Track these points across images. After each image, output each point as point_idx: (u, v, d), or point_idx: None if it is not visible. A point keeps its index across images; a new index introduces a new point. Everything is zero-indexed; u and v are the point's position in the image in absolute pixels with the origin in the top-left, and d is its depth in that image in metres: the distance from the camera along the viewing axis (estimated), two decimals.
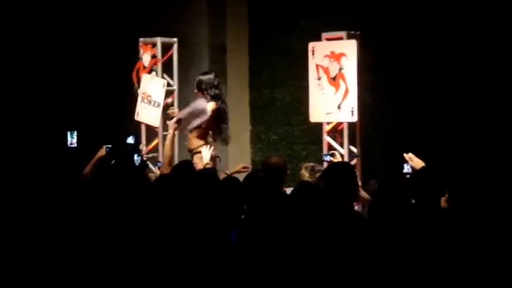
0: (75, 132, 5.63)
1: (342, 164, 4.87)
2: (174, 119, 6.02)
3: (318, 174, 4.90)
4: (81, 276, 3.37)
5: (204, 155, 5.78)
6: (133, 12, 8.11)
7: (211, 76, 6.40)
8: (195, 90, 6.41)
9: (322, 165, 5.62)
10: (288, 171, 4.84)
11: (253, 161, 8.32)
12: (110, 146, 5.25)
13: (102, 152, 5.27)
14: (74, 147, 5.51)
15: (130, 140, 6.48)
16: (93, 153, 5.27)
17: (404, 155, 4.83)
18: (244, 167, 5.79)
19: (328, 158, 5.73)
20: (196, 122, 6.19)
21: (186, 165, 5.00)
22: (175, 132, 6.07)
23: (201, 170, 5.04)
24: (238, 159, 8.01)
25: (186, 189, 4.02)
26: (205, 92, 6.30)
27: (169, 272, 3.41)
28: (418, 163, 4.71)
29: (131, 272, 3.40)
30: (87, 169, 5.11)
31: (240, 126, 8.32)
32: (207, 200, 3.88)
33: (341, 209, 3.52)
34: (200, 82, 6.37)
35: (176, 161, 6.63)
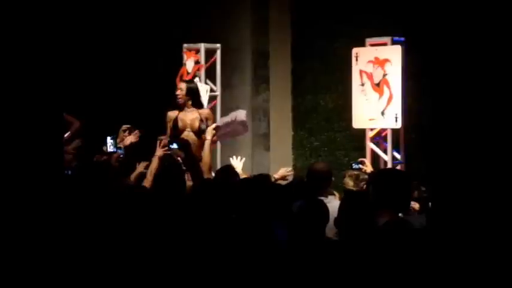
0: (115, 137, 5.65)
1: (396, 171, 4.79)
2: (214, 125, 6.00)
3: (362, 183, 4.86)
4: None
5: (236, 166, 5.73)
6: (178, 18, 8.16)
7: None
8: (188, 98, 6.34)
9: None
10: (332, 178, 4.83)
11: (295, 167, 8.29)
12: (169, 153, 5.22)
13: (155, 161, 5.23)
14: (113, 152, 5.53)
15: (175, 145, 6.48)
16: (133, 158, 5.29)
17: None
18: (288, 171, 5.74)
19: (357, 166, 5.68)
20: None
21: (228, 169, 5.01)
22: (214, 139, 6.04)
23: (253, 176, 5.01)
24: (280, 165, 7.99)
25: (230, 192, 4.04)
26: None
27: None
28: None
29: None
30: (134, 176, 5.09)
31: (282, 131, 8.32)
32: (255, 203, 3.89)
33: (391, 219, 3.47)
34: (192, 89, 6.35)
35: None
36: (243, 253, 3.51)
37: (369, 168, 5.69)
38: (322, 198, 4.54)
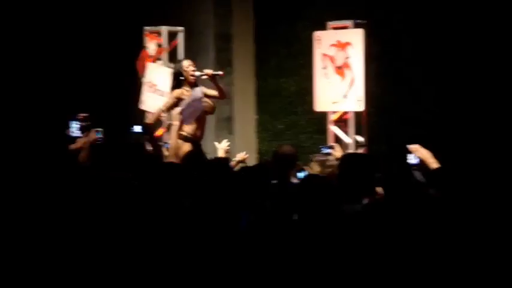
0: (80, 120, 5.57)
1: (362, 155, 4.78)
2: (178, 109, 5.99)
3: (329, 169, 4.83)
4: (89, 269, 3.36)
5: (220, 148, 5.76)
6: (139, 0, 8.07)
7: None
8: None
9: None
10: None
11: (259, 150, 8.30)
12: (101, 129, 5.16)
13: (93, 135, 5.15)
14: (78, 137, 5.45)
15: (138, 129, 6.43)
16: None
17: (409, 146, 4.78)
18: (244, 156, 5.72)
19: (327, 150, 5.66)
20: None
21: (197, 154, 4.98)
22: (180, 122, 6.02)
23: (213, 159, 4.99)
24: (243, 148, 7.98)
25: (197, 177, 4.01)
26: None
27: (177, 256, 3.41)
28: (425, 154, 4.65)
29: (138, 260, 3.39)
30: (82, 155, 4.98)
31: (245, 115, 8.30)
32: (219, 187, 3.87)
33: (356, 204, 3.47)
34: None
35: None
36: (196, 240, 3.49)
37: (338, 153, 5.65)
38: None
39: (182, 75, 6.20)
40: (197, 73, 6.20)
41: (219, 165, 4.15)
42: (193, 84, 6.21)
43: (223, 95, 6.29)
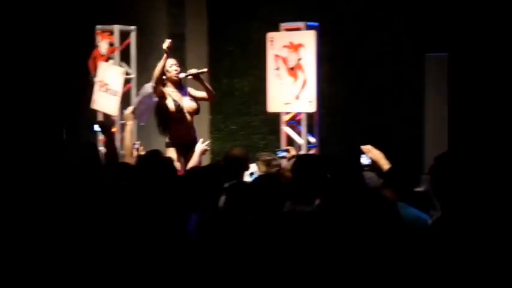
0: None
1: (314, 156, 4.83)
2: (130, 109, 5.94)
3: (274, 169, 4.89)
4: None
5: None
6: None
7: None
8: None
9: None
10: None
11: (212, 151, 8.29)
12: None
13: None
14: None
15: (96, 128, 6.32)
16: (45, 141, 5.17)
17: (362, 146, 4.84)
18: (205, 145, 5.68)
19: (282, 154, 5.70)
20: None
21: (153, 155, 4.92)
22: (133, 122, 5.98)
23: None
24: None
25: (152, 178, 4.00)
26: None
27: (127, 257, 3.39)
28: (377, 154, 4.71)
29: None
30: None
31: (199, 115, 8.26)
32: (167, 188, 3.86)
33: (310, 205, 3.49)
34: None
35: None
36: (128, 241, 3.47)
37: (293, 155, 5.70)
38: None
39: (164, 75, 6.08)
40: (182, 74, 6.11)
41: (166, 167, 4.13)
42: (177, 85, 6.10)
43: (212, 96, 6.21)
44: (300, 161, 4.18)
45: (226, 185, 4.47)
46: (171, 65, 6.16)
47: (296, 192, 3.82)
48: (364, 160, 4.62)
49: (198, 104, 6.23)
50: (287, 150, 5.74)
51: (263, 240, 3.37)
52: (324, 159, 4.39)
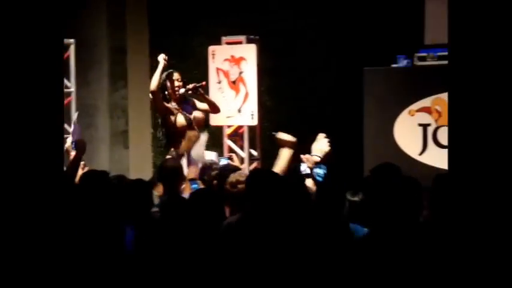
0: None
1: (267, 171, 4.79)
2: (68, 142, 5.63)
3: (212, 179, 4.88)
4: None
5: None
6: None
7: None
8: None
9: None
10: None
11: (154, 165, 8.22)
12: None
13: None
14: None
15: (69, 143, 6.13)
16: None
17: (301, 156, 4.87)
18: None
19: (225, 162, 5.70)
20: None
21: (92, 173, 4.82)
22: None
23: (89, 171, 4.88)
24: (139, 162, 7.91)
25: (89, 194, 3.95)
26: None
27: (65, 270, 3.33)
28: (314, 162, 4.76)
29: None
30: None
31: (141, 129, 8.21)
32: (101, 200, 3.82)
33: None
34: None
35: None
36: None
37: (236, 163, 5.71)
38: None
39: (166, 89, 5.89)
40: (181, 90, 5.88)
41: (98, 179, 4.08)
42: (179, 101, 5.90)
43: (215, 108, 5.96)
44: (254, 175, 4.19)
45: (158, 200, 4.47)
46: (172, 81, 5.95)
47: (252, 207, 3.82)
48: (304, 169, 4.66)
49: (204, 116, 6.09)
50: (229, 158, 5.75)
51: (199, 252, 3.36)
52: (274, 173, 4.41)
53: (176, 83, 5.96)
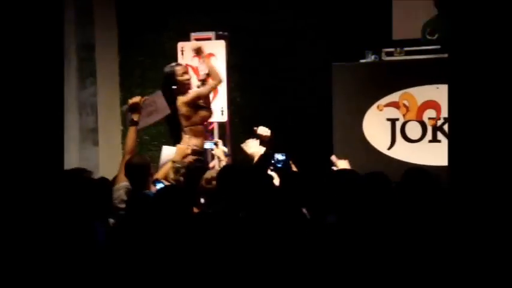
0: None
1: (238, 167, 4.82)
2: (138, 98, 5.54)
3: (181, 177, 4.89)
4: None
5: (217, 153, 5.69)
6: None
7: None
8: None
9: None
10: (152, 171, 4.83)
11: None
12: None
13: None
14: None
15: None
16: None
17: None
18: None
19: (210, 147, 5.72)
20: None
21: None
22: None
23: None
24: (109, 160, 7.86)
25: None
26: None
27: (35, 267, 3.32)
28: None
29: None
30: None
31: (111, 126, 8.16)
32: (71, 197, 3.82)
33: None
34: None
35: None
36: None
37: (219, 152, 5.74)
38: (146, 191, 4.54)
39: (174, 83, 6.02)
40: (197, 83, 6.25)
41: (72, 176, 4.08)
42: (186, 93, 6.06)
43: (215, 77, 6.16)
44: (225, 171, 4.22)
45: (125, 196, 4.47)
46: (182, 73, 6.14)
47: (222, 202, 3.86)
48: (280, 156, 4.77)
49: (211, 111, 6.39)
50: (215, 143, 5.76)
51: (172, 245, 3.37)
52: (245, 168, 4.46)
53: (186, 76, 6.15)
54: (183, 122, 6.16)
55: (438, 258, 3.11)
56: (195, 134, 6.12)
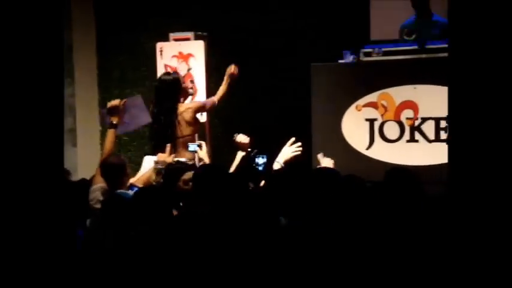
0: None
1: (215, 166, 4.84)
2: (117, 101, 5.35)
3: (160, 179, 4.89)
4: None
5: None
6: None
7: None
8: None
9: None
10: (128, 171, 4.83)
11: None
12: None
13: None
14: None
15: None
16: None
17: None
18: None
19: (193, 149, 5.69)
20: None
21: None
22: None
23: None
24: (87, 161, 7.83)
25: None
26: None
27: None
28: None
29: None
30: None
31: (89, 127, 8.13)
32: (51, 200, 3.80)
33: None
34: None
35: None
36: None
37: (203, 153, 5.71)
38: (121, 191, 4.53)
39: (179, 91, 6.00)
40: (190, 91, 6.30)
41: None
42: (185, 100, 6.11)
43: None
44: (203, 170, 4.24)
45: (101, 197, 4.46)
46: (183, 81, 6.22)
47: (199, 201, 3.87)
48: (260, 160, 4.77)
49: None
50: (199, 145, 5.73)
51: (153, 247, 3.37)
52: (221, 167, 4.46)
53: (190, 84, 6.34)
54: (183, 131, 6.03)
55: (425, 259, 3.12)
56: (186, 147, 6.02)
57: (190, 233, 3.40)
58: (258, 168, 4.87)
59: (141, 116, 5.41)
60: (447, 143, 3.12)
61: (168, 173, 4.67)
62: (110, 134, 5.16)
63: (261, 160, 4.87)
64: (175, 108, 5.98)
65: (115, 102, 5.24)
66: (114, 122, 5.16)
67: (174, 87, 6.03)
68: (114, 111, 5.19)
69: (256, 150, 5.01)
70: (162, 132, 5.97)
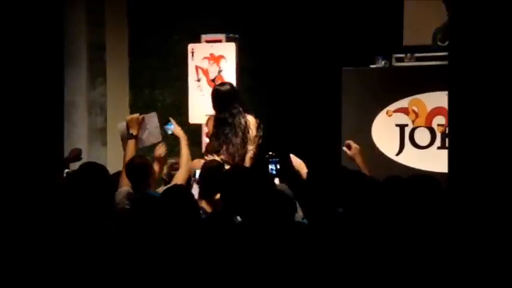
0: None
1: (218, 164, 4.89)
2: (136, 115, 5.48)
3: (175, 172, 4.98)
4: None
5: None
6: None
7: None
8: None
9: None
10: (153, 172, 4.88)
11: None
12: None
13: None
14: None
15: None
16: None
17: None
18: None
19: (169, 126, 5.62)
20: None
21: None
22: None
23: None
24: (117, 160, 7.87)
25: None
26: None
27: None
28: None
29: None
30: None
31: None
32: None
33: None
34: None
35: None
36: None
37: (178, 132, 5.65)
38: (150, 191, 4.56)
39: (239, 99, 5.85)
40: None
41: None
42: None
43: None
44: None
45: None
46: None
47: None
48: (273, 169, 4.78)
49: None
50: (169, 121, 5.63)
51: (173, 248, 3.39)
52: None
53: None
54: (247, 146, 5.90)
55: (436, 264, 3.11)
56: None
57: (218, 234, 3.41)
58: (271, 172, 4.89)
59: (154, 133, 5.48)
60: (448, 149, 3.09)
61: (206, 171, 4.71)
62: (131, 144, 5.21)
63: (273, 166, 4.88)
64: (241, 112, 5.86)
65: (135, 115, 5.34)
66: (135, 134, 5.22)
67: (235, 95, 5.91)
68: (133, 124, 5.27)
69: (271, 153, 5.01)
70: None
